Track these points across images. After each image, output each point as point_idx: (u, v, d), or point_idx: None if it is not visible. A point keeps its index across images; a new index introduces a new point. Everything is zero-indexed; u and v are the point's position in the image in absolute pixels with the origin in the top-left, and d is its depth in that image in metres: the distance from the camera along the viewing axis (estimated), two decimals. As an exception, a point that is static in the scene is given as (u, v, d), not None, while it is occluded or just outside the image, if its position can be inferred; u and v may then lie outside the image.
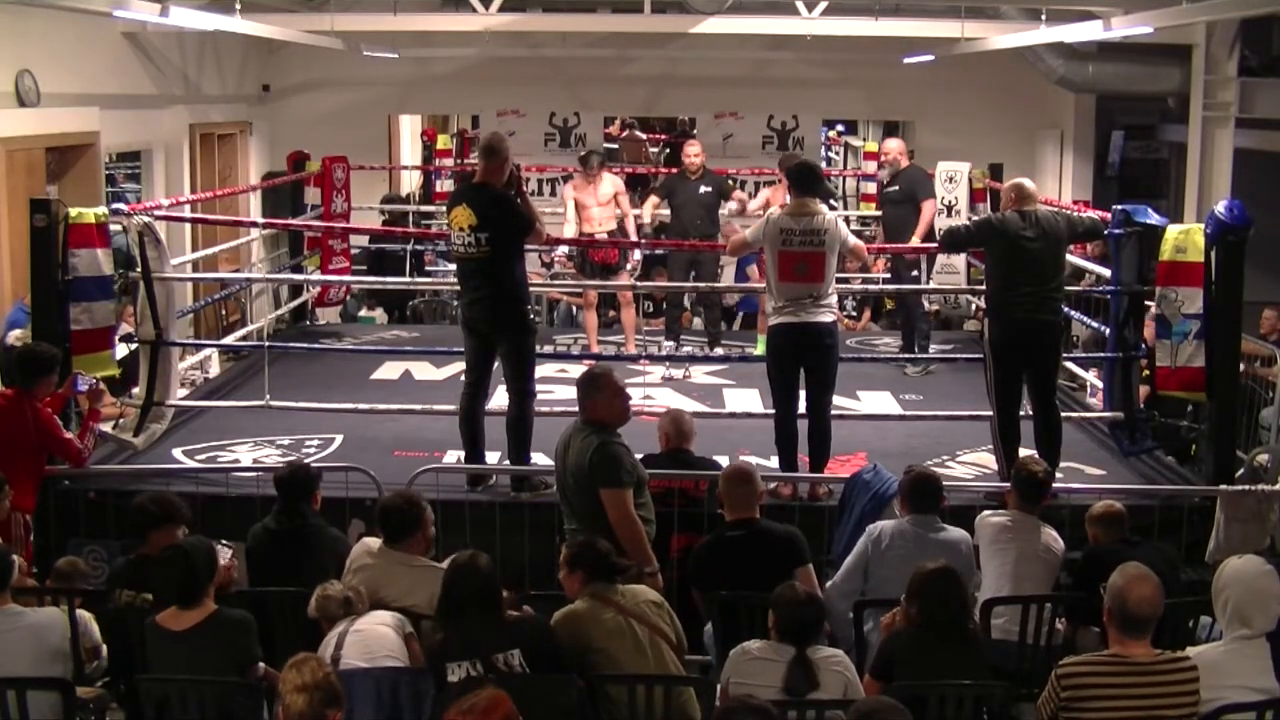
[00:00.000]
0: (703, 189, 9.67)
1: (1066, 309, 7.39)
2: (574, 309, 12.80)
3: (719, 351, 9.73)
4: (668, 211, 9.98)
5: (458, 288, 6.79)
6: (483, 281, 6.46)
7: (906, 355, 9.51)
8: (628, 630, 4.47)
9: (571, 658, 4.43)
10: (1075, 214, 7.12)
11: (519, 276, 6.56)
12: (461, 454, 6.86)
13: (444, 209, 7.12)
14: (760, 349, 8.71)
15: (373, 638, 4.45)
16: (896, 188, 9.63)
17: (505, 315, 6.53)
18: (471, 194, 6.53)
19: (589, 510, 5.31)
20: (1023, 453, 6.42)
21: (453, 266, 13.26)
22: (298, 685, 3.54)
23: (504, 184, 6.51)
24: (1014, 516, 5.44)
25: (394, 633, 4.51)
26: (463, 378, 6.85)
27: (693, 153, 9.83)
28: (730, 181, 10.21)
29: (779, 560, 5.14)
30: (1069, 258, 7.39)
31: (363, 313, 12.66)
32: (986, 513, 5.57)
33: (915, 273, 9.68)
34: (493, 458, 6.81)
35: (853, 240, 6.90)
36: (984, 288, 6.96)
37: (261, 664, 4.43)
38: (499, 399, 6.64)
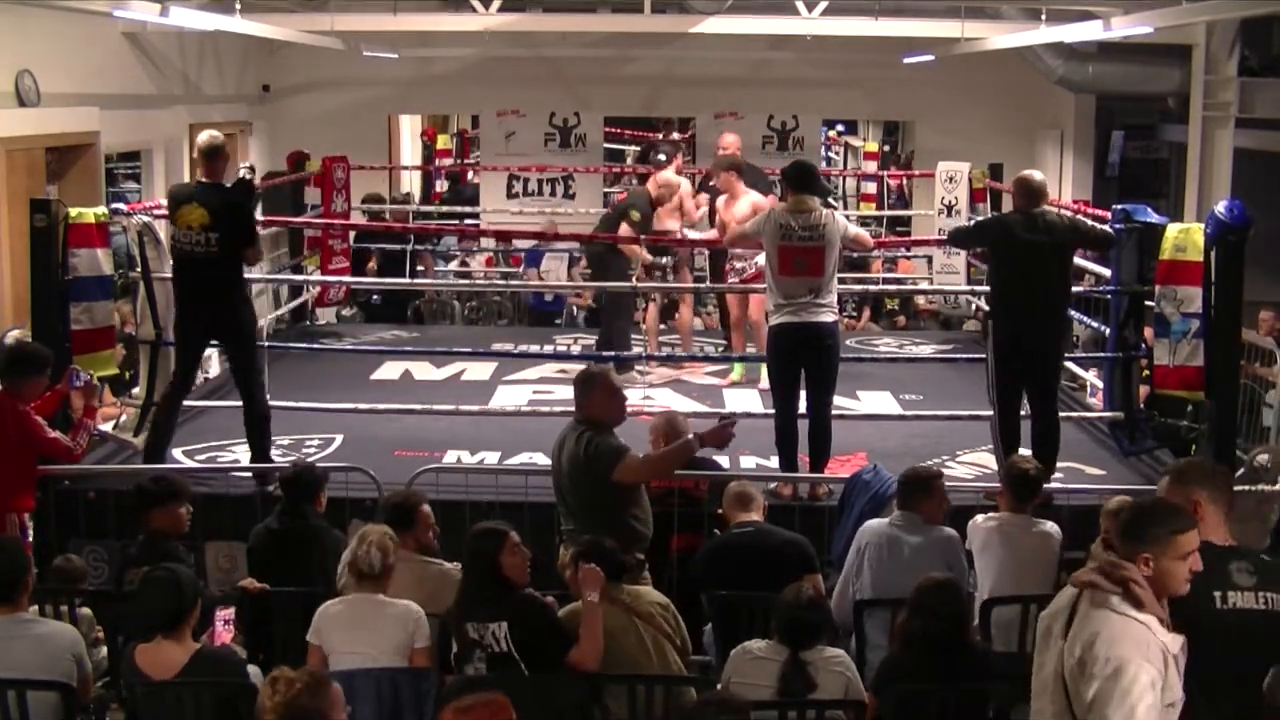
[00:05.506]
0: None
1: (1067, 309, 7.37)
2: (574, 309, 12.80)
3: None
4: None
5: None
6: (211, 281, 6.51)
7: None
8: (632, 630, 4.48)
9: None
10: (1086, 222, 7.08)
11: (243, 278, 6.69)
12: (462, 454, 6.86)
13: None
14: (736, 374, 8.86)
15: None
16: None
17: (236, 315, 6.60)
18: (202, 194, 6.53)
19: (585, 508, 5.31)
20: (1022, 453, 6.42)
21: (449, 267, 13.55)
22: (277, 708, 3.47)
23: (234, 187, 6.57)
24: (1005, 518, 5.39)
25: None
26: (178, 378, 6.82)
27: None
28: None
29: (790, 566, 5.11)
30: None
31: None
32: (978, 516, 5.51)
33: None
34: (492, 458, 6.79)
35: (854, 230, 6.92)
36: (985, 288, 6.96)
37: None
38: (509, 399, 6.56)
